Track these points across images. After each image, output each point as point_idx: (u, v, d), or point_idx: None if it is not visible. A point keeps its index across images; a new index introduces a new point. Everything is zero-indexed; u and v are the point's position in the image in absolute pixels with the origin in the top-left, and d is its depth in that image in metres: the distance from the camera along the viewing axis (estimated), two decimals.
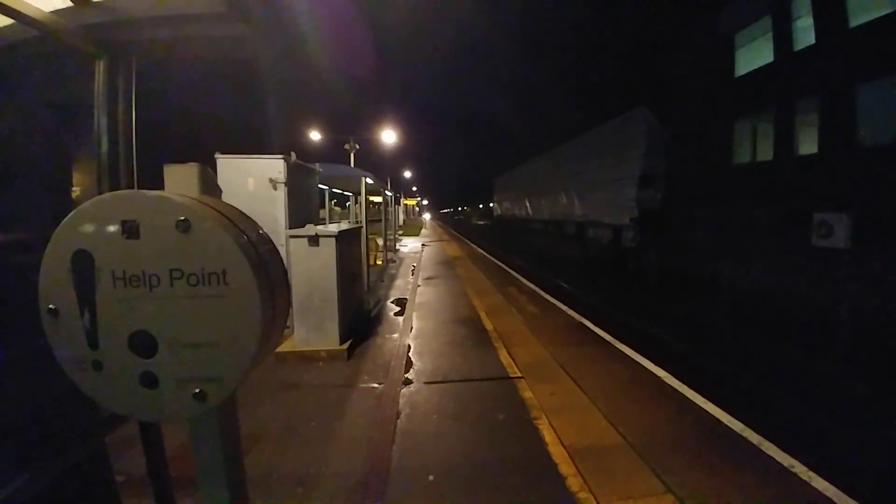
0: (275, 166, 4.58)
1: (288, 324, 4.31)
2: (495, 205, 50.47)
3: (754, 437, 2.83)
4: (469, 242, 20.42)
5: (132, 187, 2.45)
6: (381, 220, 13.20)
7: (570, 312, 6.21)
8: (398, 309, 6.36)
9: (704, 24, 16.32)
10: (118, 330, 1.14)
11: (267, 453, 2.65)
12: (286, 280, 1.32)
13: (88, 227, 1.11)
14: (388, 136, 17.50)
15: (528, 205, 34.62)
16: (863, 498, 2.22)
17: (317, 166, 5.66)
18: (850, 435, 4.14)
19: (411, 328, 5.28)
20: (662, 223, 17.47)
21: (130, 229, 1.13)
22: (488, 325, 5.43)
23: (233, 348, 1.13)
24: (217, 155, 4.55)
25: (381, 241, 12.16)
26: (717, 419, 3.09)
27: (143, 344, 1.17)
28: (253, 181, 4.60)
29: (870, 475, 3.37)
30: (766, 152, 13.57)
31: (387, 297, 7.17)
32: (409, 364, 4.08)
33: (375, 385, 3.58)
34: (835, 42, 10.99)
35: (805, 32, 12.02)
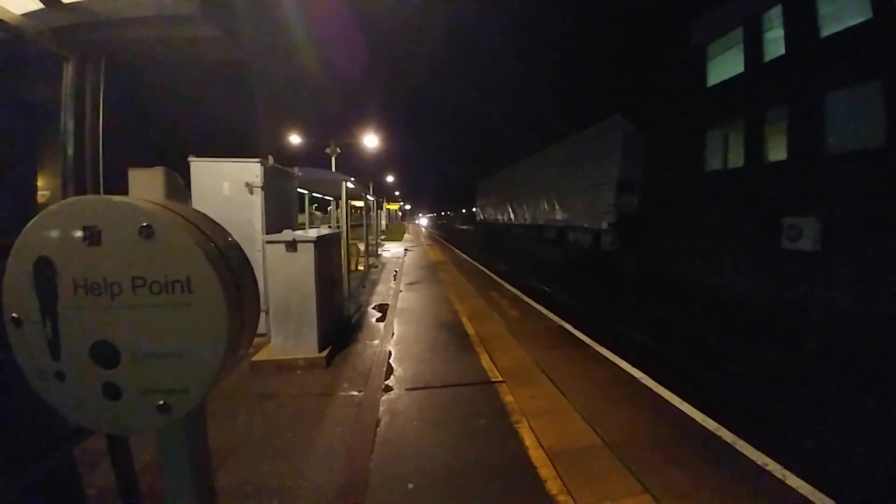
0: (251, 170, 4.48)
1: (264, 332, 4.21)
2: (478, 209, 50.71)
3: (728, 436, 2.91)
4: (452, 247, 20.46)
5: (98, 191, 2.35)
6: (362, 225, 13.10)
7: (551, 316, 6.28)
8: (379, 315, 6.30)
9: (678, 35, 16.94)
10: (80, 340, 1.09)
11: (241, 466, 2.56)
12: (255, 288, 1.28)
13: (50, 234, 1.07)
14: (370, 141, 17.45)
15: (510, 209, 34.93)
16: (837, 495, 2.28)
17: (295, 170, 5.58)
18: (821, 433, 4.29)
19: (393, 334, 5.23)
20: (640, 228, 17.94)
21: (91, 236, 1.08)
22: (470, 330, 5.43)
23: (198, 359, 1.09)
24: (191, 158, 4.43)
25: (362, 247, 12.04)
26: (692, 418, 3.16)
27: (105, 354, 1.12)
28: (228, 185, 4.49)
29: (843, 472, 3.50)
30: (737, 159, 14.13)
31: (368, 303, 7.09)
32: (389, 370, 4.03)
33: (355, 393, 3.51)
34: (805, 52, 11.57)
35: (775, 44, 12.62)
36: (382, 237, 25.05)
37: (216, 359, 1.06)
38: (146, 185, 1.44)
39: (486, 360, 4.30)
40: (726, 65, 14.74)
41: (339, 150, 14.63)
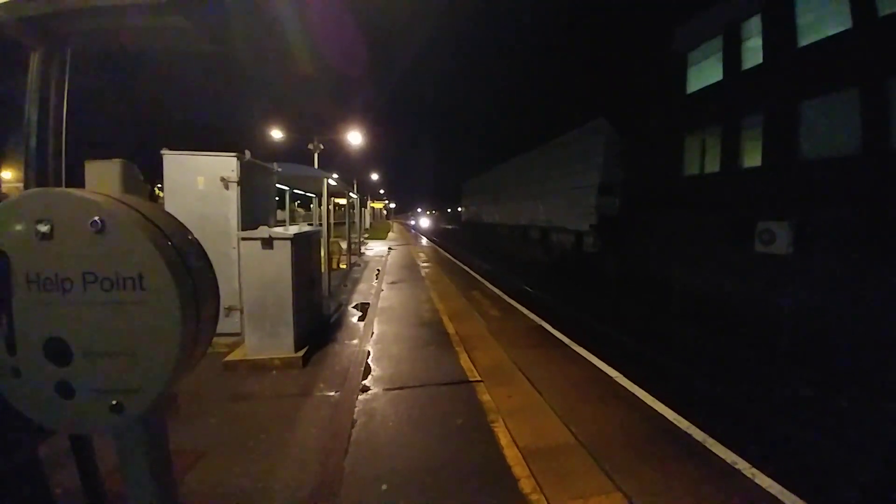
0: (227, 164, 4.37)
1: (239, 331, 4.11)
2: (463, 209, 50.93)
3: (699, 435, 2.97)
4: (436, 247, 20.44)
5: (60, 184, 2.26)
6: (345, 223, 12.95)
7: (531, 315, 6.34)
8: (360, 314, 6.23)
9: (660, 42, 17.32)
10: (33, 336, 1.05)
11: (212, 469, 2.49)
12: (214, 287, 1.24)
13: (4, 227, 1.02)
14: (354, 138, 17.25)
15: (495, 209, 35.22)
16: (805, 495, 2.33)
17: (274, 166, 5.46)
18: (790, 431, 4.44)
19: (372, 333, 5.18)
20: (620, 229, 18.30)
21: (44, 230, 1.04)
22: (450, 329, 5.43)
23: (151, 358, 1.05)
24: (164, 151, 4.29)
25: (345, 245, 11.92)
26: (664, 417, 3.23)
27: (58, 351, 1.08)
28: (203, 180, 4.37)
29: (811, 471, 3.61)
30: (713, 165, 14.55)
31: (349, 302, 7.01)
32: (367, 370, 3.99)
33: (331, 393, 3.46)
34: (782, 61, 11.98)
35: (754, 52, 13.02)
36: (366, 235, 24.85)
37: (170, 359, 1.03)
38: (102, 178, 1.37)
39: (465, 360, 4.31)
40: (706, 72, 15.15)
41: (321, 147, 14.39)
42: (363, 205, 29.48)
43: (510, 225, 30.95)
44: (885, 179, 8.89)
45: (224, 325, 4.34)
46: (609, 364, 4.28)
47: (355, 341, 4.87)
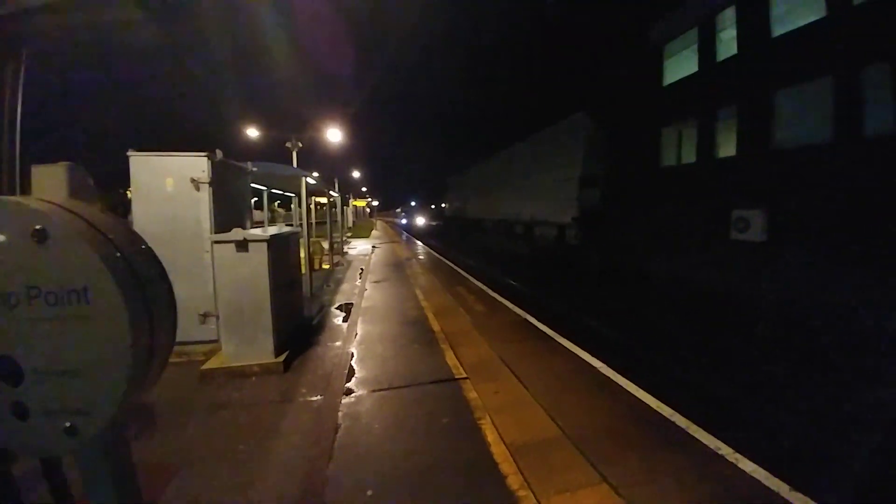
0: (197, 165, 4.21)
1: (215, 338, 3.98)
2: (447, 204, 50.95)
3: (682, 422, 3.01)
4: (420, 243, 20.35)
5: (14, 191, 2.11)
6: (327, 222, 12.75)
7: (516, 310, 6.36)
8: (343, 315, 6.13)
9: (637, 35, 17.56)
10: None
11: (189, 482, 2.40)
12: (169, 298, 1.16)
13: None
14: (334, 135, 16.95)
15: (478, 204, 35.31)
16: (789, 478, 2.37)
17: (249, 165, 5.30)
18: (771, 416, 4.57)
19: (356, 334, 5.10)
20: (602, 221, 18.57)
21: None
22: (435, 327, 5.39)
23: (100, 377, 0.97)
24: (130, 152, 4.10)
25: (326, 244, 11.73)
26: (647, 405, 3.27)
27: (9, 370, 1.00)
28: (172, 181, 4.20)
29: (793, 455, 3.71)
30: (690, 155, 14.88)
31: (331, 303, 6.89)
32: (351, 373, 3.91)
33: (314, 398, 3.38)
34: (756, 52, 12.24)
35: (728, 44, 13.27)
36: (349, 234, 24.55)
37: (122, 378, 0.95)
38: (47, 183, 1.28)
39: (450, 357, 4.28)
40: (681, 64, 15.43)
41: (300, 144, 14.05)
42: (345, 203, 29.15)
43: (494, 219, 31.09)
44: (856, 166, 9.22)
45: (200, 331, 4.21)
46: (593, 355, 4.33)
47: (338, 343, 4.79)
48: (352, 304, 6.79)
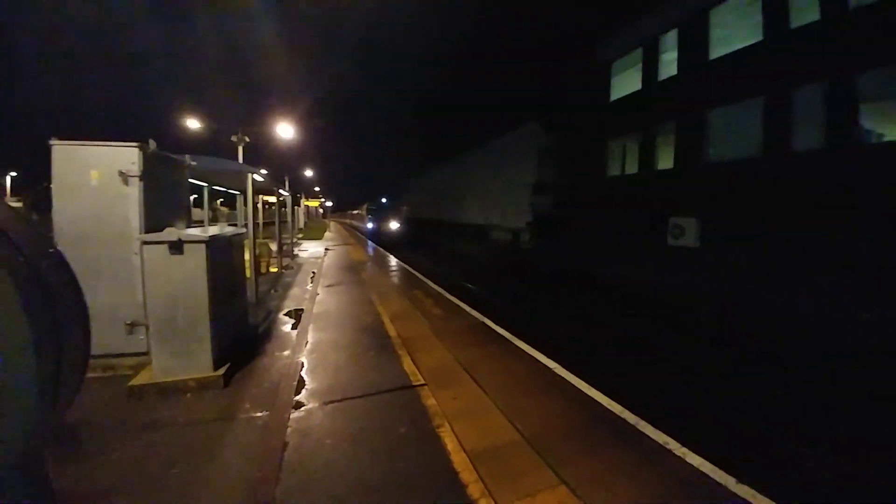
0: (127, 156, 3.76)
1: (145, 350, 3.56)
2: (405, 207, 50.44)
3: (632, 418, 3.12)
4: (377, 246, 19.92)
5: None
6: (276, 223, 12.08)
7: (474, 313, 6.36)
8: (292, 322, 5.78)
9: (587, 52, 18.54)
10: None
11: None
12: (81, 310, 0.97)
13: None
14: (285, 131, 16.14)
15: (435, 208, 35.41)
16: (734, 470, 2.50)
17: (187, 158, 4.84)
18: (714, 408, 4.89)
19: (307, 342, 4.80)
20: (554, 226, 19.30)
21: None
22: (392, 332, 5.23)
23: (4, 402, 0.78)
24: (52, 141, 3.59)
25: (274, 246, 11.11)
26: (599, 403, 3.36)
27: None
28: (98, 174, 3.73)
29: (736, 445, 3.96)
30: (633, 167, 15.90)
31: (279, 309, 6.48)
32: (301, 384, 3.66)
33: (259, 414, 3.11)
34: (694, 73, 13.30)
35: (669, 64, 14.34)
36: (300, 236, 23.51)
37: (28, 400, 0.76)
38: None
39: (408, 363, 4.15)
40: (627, 82, 16.49)
41: (247, 139, 13.14)
42: (296, 203, 27.92)
43: (450, 223, 31.30)
44: (781, 179, 10.28)
45: (128, 343, 3.77)
46: (548, 356, 4.40)
47: (287, 352, 4.48)
48: (302, 309, 6.43)
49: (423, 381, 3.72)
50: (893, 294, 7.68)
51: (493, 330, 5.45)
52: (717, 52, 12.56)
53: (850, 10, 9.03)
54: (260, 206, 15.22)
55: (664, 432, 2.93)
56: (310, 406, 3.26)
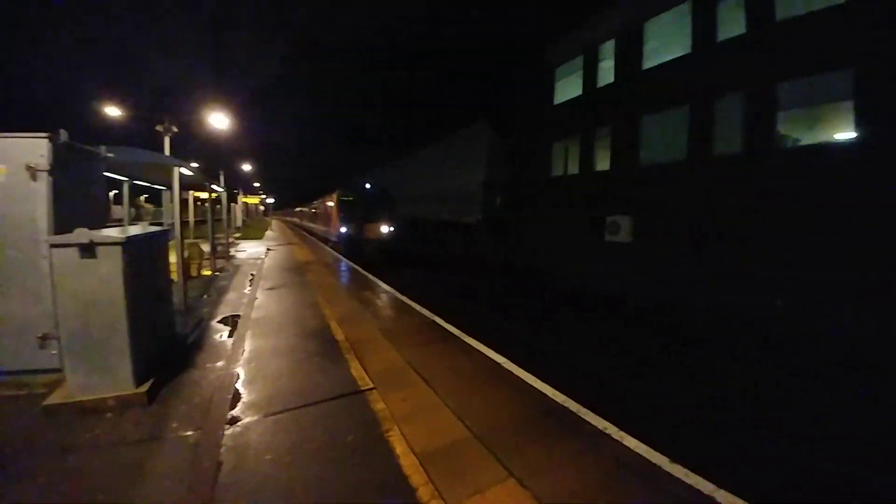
0: (34, 147, 3.28)
1: (58, 366, 3.16)
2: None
3: (574, 406, 3.29)
4: (325, 245, 19.15)
5: None
6: (210, 221, 11.20)
7: (425, 312, 6.34)
8: (228, 329, 5.38)
9: (533, 56, 19.27)
10: None
11: None
12: None
13: None
14: (220, 121, 14.88)
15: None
16: (664, 450, 2.71)
17: (103, 149, 4.30)
18: (648, 392, 5.30)
19: (243, 351, 4.49)
20: (503, 223, 19.84)
21: None
22: (339, 336, 5.05)
23: None
24: None
25: (207, 247, 10.30)
26: (544, 394, 3.51)
27: None
28: (3, 169, 3.25)
29: (670, 426, 4.28)
30: (574, 168, 16.78)
31: (212, 316, 6.00)
32: (236, 397, 3.40)
33: (188, 433, 2.84)
34: (628, 81, 14.24)
35: (607, 72, 15.26)
36: (237, 235, 21.99)
37: None
38: None
39: (356, 367, 4.04)
40: (570, 87, 17.34)
41: (174, 129, 11.90)
42: (233, 199, 26.09)
43: (402, 220, 31.02)
44: (705, 181, 11.34)
45: (41, 358, 3.35)
46: (497, 351, 4.51)
47: (220, 363, 4.16)
48: (238, 315, 6.01)
49: (371, 385, 3.63)
50: (804, 282, 8.83)
51: (444, 328, 5.47)
52: (649, 62, 13.59)
53: (774, 24, 10.00)
54: (191, 202, 14.04)
55: (604, 418, 3.11)
56: (246, 421, 3.05)
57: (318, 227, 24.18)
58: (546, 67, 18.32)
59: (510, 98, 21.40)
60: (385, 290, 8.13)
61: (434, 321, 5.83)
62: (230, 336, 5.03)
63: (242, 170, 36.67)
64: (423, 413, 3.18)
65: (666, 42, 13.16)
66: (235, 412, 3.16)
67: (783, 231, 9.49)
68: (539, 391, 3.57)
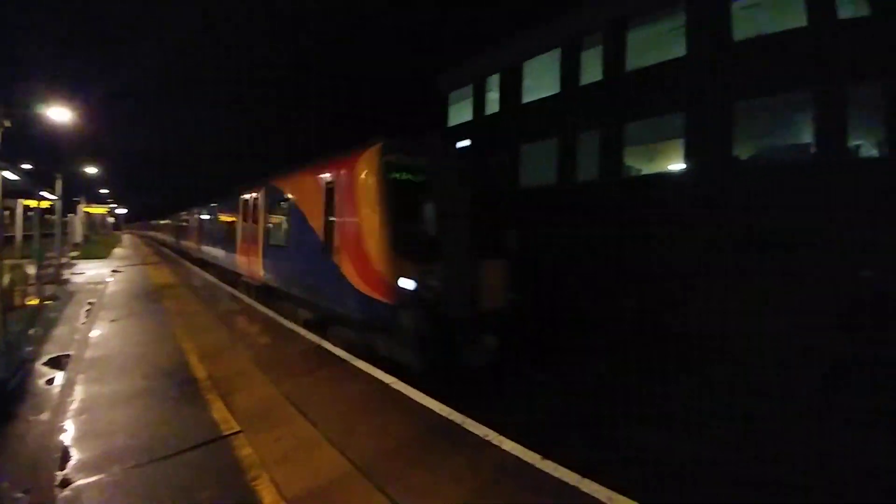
0: None
1: None
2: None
3: (458, 418, 3.35)
4: (188, 264, 16.57)
5: None
6: (37, 237, 8.92)
7: (310, 336, 5.91)
8: (56, 373, 4.30)
9: (428, 81, 20.28)
10: None
11: None
12: None
13: None
14: (60, 115, 11.84)
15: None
16: (540, 450, 2.90)
17: None
18: (526, 397, 5.72)
19: (73, 400, 3.62)
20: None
21: None
22: (200, 374, 4.39)
23: None
24: None
25: (33, 270, 8.21)
26: (431, 409, 3.53)
27: None
28: None
29: (546, 428, 4.62)
30: None
31: (38, 357, 4.73)
32: (66, 456, 2.74)
33: (19, 495, 2.23)
34: (510, 113, 15.84)
35: (493, 103, 16.81)
36: (75, 254, 17.83)
37: None
38: None
39: (218, 409, 3.55)
40: (461, 112, 18.65)
41: (6, 123, 9.05)
42: (70, 210, 21.37)
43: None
44: (570, 203, 13.02)
45: None
46: (386, 372, 4.43)
47: (45, 415, 3.31)
48: (69, 355, 4.85)
49: (237, 429, 3.23)
50: (649, 286, 10.71)
51: (332, 353, 5.17)
52: (528, 97, 15.44)
53: (624, 73, 12.24)
54: (19, 213, 11.10)
55: (485, 426, 3.23)
56: (79, 483, 2.47)
57: (190, 246, 18.56)
58: (440, 93, 19.40)
59: (406, 117, 22.00)
60: (263, 312, 7.37)
61: (321, 346, 5.48)
62: (57, 382, 4.01)
63: (86, 172, 30.00)
64: (300, 451, 2.94)
65: (540, 81, 15.11)
66: (66, 473, 2.56)
67: (633, 244, 11.58)
68: (426, 407, 3.56)
